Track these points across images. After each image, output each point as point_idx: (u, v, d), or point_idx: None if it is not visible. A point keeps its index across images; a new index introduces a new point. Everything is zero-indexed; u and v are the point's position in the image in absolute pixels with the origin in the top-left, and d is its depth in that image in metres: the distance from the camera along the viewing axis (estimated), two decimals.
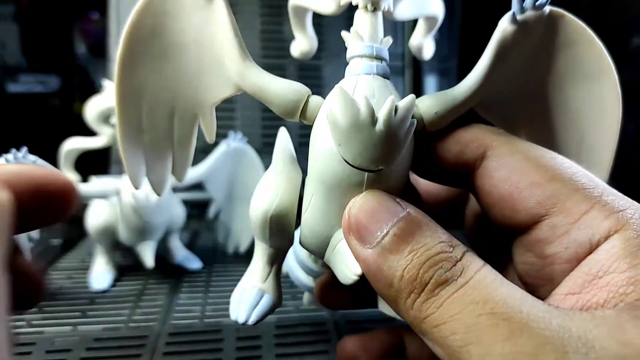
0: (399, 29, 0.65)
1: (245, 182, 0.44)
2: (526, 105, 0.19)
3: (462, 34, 0.68)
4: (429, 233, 0.15)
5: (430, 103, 0.17)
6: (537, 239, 0.16)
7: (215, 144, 0.47)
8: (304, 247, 0.19)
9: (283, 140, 0.21)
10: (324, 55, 0.62)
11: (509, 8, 0.18)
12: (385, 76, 0.17)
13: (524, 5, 0.17)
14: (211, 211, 0.48)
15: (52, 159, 0.36)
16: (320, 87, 0.61)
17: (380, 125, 0.15)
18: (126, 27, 0.17)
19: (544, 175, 0.16)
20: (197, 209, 0.60)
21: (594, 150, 0.19)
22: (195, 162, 0.49)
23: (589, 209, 0.15)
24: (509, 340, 0.12)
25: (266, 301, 0.19)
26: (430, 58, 0.27)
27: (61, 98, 0.97)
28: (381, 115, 0.15)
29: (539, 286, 0.17)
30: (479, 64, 0.17)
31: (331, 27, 0.62)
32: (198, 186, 0.44)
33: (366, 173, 0.16)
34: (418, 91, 0.67)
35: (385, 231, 0.15)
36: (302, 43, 0.25)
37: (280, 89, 0.17)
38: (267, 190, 0.18)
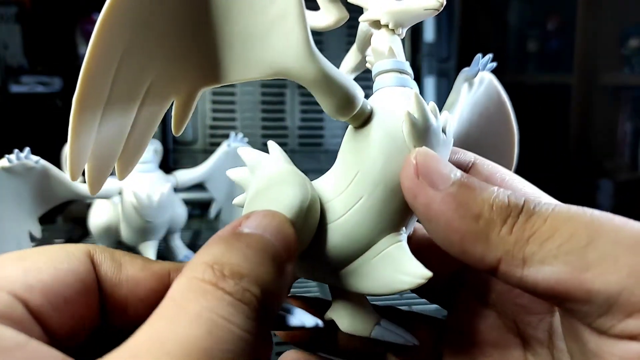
0: None
1: None
2: (463, 134, 0.23)
3: (461, 35, 0.69)
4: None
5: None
6: None
7: (216, 144, 0.48)
8: (308, 266, 0.18)
9: (279, 152, 0.20)
10: (324, 56, 0.62)
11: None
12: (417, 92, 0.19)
13: (479, 67, 0.22)
14: (212, 211, 0.48)
15: (55, 160, 0.37)
16: None
17: (444, 133, 0.17)
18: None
19: (522, 181, 0.19)
20: (198, 209, 0.61)
21: (502, 154, 0.25)
22: (196, 162, 0.49)
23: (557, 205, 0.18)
24: (628, 225, 0.13)
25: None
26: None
27: (63, 99, 0.97)
28: (443, 125, 0.17)
29: None
30: (458, 95, 0.21)
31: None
32: (199, 186, 0.45)
33: None
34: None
35: (458, 174, 0.15)
36: (329, 14, 0.21)
37: (346, 84, 0.16)
38: (295, 182, 0.17)
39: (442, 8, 0.17)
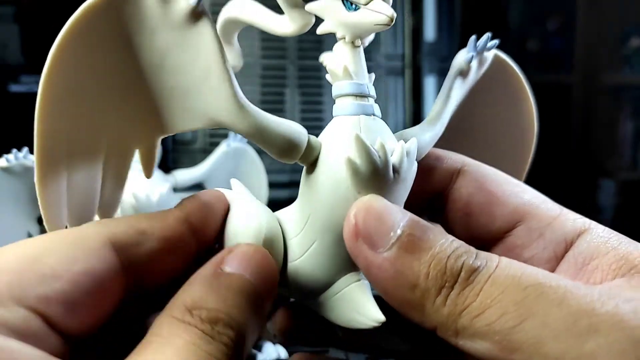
0: (399, 30, 0.65)
1: (245, 182, 0.44)
2: (455, 126, 0.20)
3: (462, 34, 0.68)
4: (439, 231, 0.15)
5: (428, 139, 0.18)
6: (514, 244, 0.17)
7: (216, 144, 0.47)
8: (284, 290, 0.18)
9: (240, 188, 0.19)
10: None
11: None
12: (378, 115, 0.17)
13: (478, 48, 0.19)
14: None
15: None
16: (320, 87, 0.61)
17: (396, 172, 0.16)
18: (66, 27, 0.14)
19: (516, 187, 0.18)
20: None
21: (511, 160, 0.21)
22: (195, 162, 0.49)
23: (557, 216, 0.17)
24: (563, 303, 0.13)
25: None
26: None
27: None
28: (396, 162, 0.16)
29: None
30: (440, 101, 0.19)
31: None
32: (198, 186, 0.44)
33: None
34: (418, 91, 0.67)
35: (399, 232, 0.15)
36: (292, 22, 0.23)
37: (282, 132, 0.16)
38: (251, 214, 0.17)
39: (393, 23, 0.16)
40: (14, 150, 0.32)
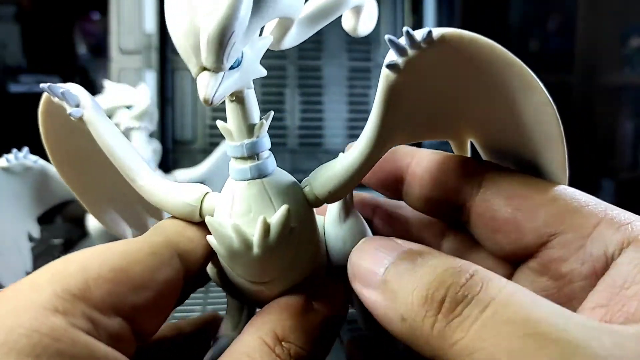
0: (399, 20, 0.65)
1: None
2: (465, 123, 0.18)
3: None
4: (434, 256, 0.14)
5: (320, 184, 0.17)
6: (550, 258, 0.16)
7: (216, 144, 0.47)
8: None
9: None
10: (323, 56, 0.62)
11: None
12: (262, 174, 0.16)
13: (403, 46, 0.14)
14: None
15: None
16: (320, 88, 0.61)
17: (255, 249, 0.15)
18: (42, 136, 0.19)
19: (545, 197, 0.16)
20: None
21: (545, 156, 0.17)
22: (195, 162, 0.49)
23: (597, 223, 0.15)
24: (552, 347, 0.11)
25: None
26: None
27: None
28: (255, 240, 0.15)
29: None
30: (369, 124, 0.16)
31: (331, 27, 0.62)
32: None
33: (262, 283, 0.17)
34: None
35: (386, 266, 0.14)
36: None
37: (173, 205, 0.17)
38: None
39: (211, 104, 0.14)
40: (14, 150, 0.32)
